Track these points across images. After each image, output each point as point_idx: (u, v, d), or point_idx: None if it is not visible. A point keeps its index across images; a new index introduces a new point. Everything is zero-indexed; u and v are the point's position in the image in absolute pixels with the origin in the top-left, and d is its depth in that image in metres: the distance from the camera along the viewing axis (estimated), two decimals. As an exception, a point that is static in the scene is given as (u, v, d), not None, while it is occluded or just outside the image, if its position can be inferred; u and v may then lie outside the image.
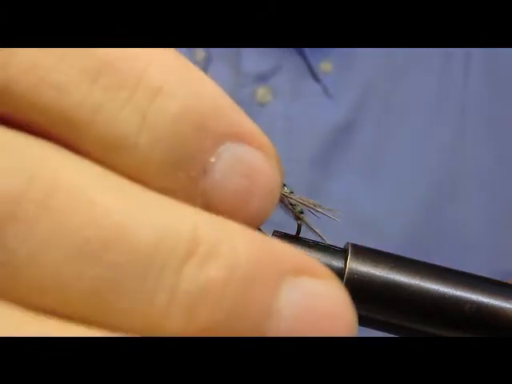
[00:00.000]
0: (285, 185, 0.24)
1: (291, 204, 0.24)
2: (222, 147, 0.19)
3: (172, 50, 0.21)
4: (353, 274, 0.24)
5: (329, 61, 0.58)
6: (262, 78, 0.57)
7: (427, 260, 0.58)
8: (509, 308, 0.23)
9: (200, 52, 0.57)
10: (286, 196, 0.24)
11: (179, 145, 0.19)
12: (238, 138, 0.20)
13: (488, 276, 0.25)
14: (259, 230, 0.25)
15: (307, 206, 0.24)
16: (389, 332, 0.25)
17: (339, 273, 0.24)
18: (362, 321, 0.25)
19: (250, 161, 0.20)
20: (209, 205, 0.19)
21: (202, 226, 0.18)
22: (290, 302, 0.19)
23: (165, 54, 0.21)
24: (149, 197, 0.18)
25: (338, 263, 0.25)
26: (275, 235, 0.25)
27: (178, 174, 0.19)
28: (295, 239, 0.25)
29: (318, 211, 0.25)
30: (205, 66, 0.57)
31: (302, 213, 0.25)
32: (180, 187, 0.19)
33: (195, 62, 0.57)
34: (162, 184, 0.19)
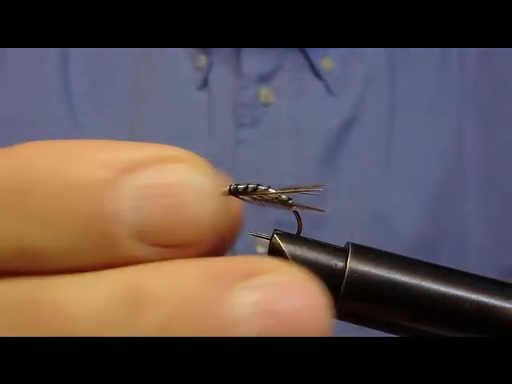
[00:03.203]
0: (259, 184, 0.25)
1: (274, 198, 0.25)
2: (117, 189, 0.19)
3: None
4: (353, 273, 0.24)
5: (329, 58, 0.58)
6: (263, 79, 0.57)
7: (432, 255, 0.58)
8: (509, 308, 0.23)
9: (202, 58, 0.57)
10: (265, 193, 0.25)
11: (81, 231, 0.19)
12: (124, 171, 0.19)
13: (489, 271, 0.25)
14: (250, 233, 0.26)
15: (288, 193, 0.25)
16: (389, 332, 0.25)
17: (340, 272, 0.24)
18: (363, 320, 0.25)
19: (152, 182, 0.19)
20: (148, 237, 0.20)
21: (140, 279, 0.19)
22: (247, 303, 0.19)
23: None
24: (83, 281, 0.19)
25: (338, 263, 0.25)
26: (276, 234, 0.25)
27: (98, 245, 0.19)
28: (296, 238, 0.25)
29: (302, 193, 0.25)
30: (207, 72, 0.57)
31: (289, 199, 0.25)
32: (108, 248, 0.20)
33: (197, 68, 0.57)
34: (91, 261, 0.20)
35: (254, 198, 0.24)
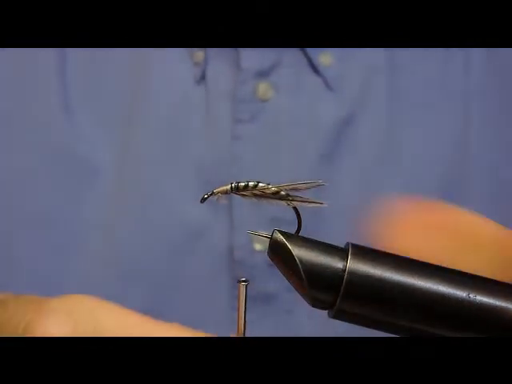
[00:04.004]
0: (259, 182, 0.25)
1: (274, 194, 0.25)
2: None
3: None
4: (353, 274, 0.24)
5: (327, 53, 0.57)
6: (262, 74, 0.56)
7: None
8: (509, 308, 0.23)
9: (199, 53, 0.57)
10: (265, 190, 0.25)
11: None
12: None
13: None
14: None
15: (288, 189, 0.25)
16: (389, 332, 0.24)
17: (340, 273, 0.24)
18: (363, 320, 0.25)
19: None
20: None
21: None
22: None
23: None
24: None
25: (338, 263, 0.24)
26: (276, 233, 0.25)
27: None
28: (295, 237, 0.25)
29: (301, 189, 0.25)
30: (204, 66, 0.57)
31: (287, 195, 0.26)
32: None
33: (195, 63, 0.57)
34: None
35: (255, 195, 0.24)
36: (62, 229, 0.55)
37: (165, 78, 0.57)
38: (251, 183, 0.24)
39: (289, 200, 0.25)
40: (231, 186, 0.24)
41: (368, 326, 0.25)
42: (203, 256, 0.54)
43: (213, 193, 0.25)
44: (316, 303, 0.25)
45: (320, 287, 0.24)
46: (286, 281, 0.53)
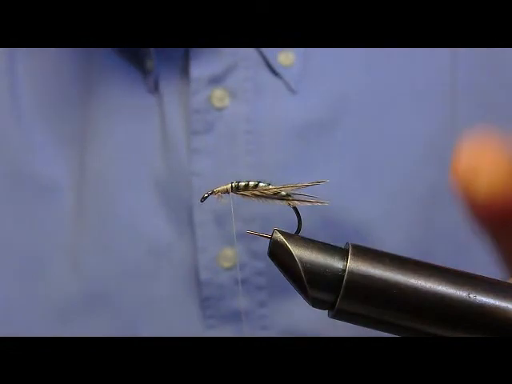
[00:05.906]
0: (259, 181, 0.25)
1: (274, 194, 0.25)
2: None
3: None
4: (353, 273, 0.24)
5: (288, 52, 0.53)
6: (215, 80, 0.52)
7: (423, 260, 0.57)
8: (509, 308, 0.23)
9: (148, 61, 0.53)
10: (265, 190, 0.25)
11: None
12: None
13: (492, 273, 0.25)
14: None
15: (288, 189, 0.25)
16: (390, 332, 0.24)
17: (340, 273, 0.24)
18: (363, 320, 0.24)
19: None
20: None
21: None
22: None
23: None
24: None
25: (338, 263, 0.24)
26: (276, 230, 0.25)
27: None
28: (295, 237, 0.25)
29: (300, 187, 0.25)
30: (155, 75, 0.53)
31: (288, 195, 0.26)
32: None
33: (146, 72, 0.52)
34: None
35: (255, 195, 0.24)
36: (21, 251, 0.51)
37: (117, 89, 0.53)
38: (252, 183, 0.24)
39: (289, 200, 0.25)
40: (231, 186, 0.24)
41: (368, 325, 0.24)
42: (168, 276, 0.51)
43: (213, 192, 0.25)
44: (316, 303, 0.25)
45: (320, 287, 0.24)
46: (257, 297, 0.52)
